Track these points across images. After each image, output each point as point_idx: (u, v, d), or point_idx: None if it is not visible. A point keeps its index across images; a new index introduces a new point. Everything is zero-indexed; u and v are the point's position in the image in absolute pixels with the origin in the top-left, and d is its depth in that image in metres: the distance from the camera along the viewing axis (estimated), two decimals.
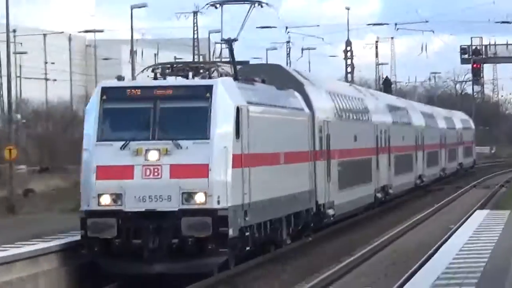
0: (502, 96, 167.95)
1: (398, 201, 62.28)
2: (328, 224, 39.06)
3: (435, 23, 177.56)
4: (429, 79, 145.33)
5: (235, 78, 27.19)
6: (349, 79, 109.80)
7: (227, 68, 28.62)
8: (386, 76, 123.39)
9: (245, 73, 31.94)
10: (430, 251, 30.63)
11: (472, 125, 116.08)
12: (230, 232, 23.32)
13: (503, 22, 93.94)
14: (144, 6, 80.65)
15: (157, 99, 23.76)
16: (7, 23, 63.62)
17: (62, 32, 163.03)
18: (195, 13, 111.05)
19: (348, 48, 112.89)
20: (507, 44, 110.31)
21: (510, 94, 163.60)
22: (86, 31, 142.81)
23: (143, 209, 22.74)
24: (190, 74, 25.17)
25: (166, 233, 22.62)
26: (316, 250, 36.22)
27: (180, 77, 25.97)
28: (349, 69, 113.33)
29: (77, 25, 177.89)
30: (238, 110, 24.24)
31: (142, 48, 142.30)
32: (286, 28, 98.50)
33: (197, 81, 25.72)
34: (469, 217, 44.70)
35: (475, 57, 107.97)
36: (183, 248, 22.74)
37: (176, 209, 22.71)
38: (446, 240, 33.42)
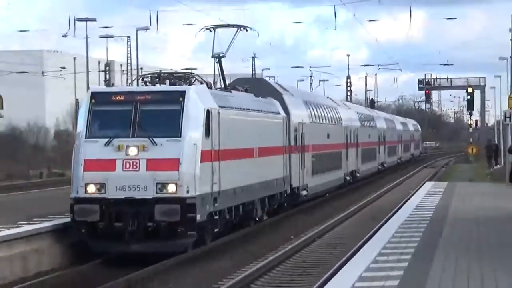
0: (443, 110, 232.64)
1: (367, 181, 74.26)
2: (303, 201, 44.43)
3: (403, 64, 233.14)
4: (398, 99, 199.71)
5: (209, 87, 30.09)
6: (349, 100, 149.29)
7: (208, 79, 33.89)
8: (372, 98, 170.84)
9: (237, 84, 39.38)
10: (397, 206, 43.59)
11: (419, 128, 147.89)
12: (198, 217, 26.25)
13: (444, 64, 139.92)
14: None
15: (137, 102, 26.27)
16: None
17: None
18: None
19: (348, 80, 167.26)
20: (446, 78, 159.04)
21: (448, 109, 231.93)
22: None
23: (123, 197, 25.33)
24: (168, 82, 28.84)
25: (143, 218, 25.19)
26: (303, 219, 40.96)
27: (160, 85, 29.41)
28: (348, 93, 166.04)
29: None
30: (208, 112, 26.87)
31: None
32: (310, 67, 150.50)
33: (172, 87, 28.48)
34: (422, 186, 59.65)
35: (427, 86, 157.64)
36: (157, 231, 25.26)
37: (151, 197, 25.26)
38: (407, 200, 46.32)
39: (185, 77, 30.42)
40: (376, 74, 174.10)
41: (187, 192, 25.61)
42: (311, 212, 47.49)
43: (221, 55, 34.74)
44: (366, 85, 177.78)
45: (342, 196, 59.49)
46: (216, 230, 29.06)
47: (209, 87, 30.28)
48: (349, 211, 47.80)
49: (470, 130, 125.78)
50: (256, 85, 38.90)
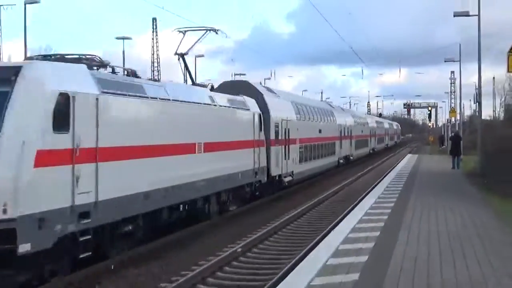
0: (416, 119, 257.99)
1: (363, 159, 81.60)
2: (287, 186, 41.69)
3: (396, 95, 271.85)
4: (393, 113, 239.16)
5: (130, 74, 22.63)
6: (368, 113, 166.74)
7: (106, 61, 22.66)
8: (380, 113, 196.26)
9: (224, 86, 37.90)
10: (392, 168, 57.95)
11: (400, 127, 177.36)
12: (24, 248, 16.58)
13: (417, 95, 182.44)
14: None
15: None
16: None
17: None
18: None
19: (368, 103, 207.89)
20: (418, 102, 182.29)
21: (419, 118, 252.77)
22: None
23: None
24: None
25: None
26: (296, 196, 41.37)
27: None
28: (368, 111, 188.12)
29: None
30: (65, 98, 17.51)
31: None
32: (350, 97, 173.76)
33: (6, 63, 22.25)
34: (404, 157, 78.81)
35: (407, 106, 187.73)
36: None
37: None
38: (396, 165, 62.51)
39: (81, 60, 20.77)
40: (382, 100, 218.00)
41: (4, 212, 16.50)
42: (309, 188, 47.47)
43: (183, 53, 31.79)
44: (377, 106, 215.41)
45: (348, 169, 65.14)
46: (85, 255, 19.39)
47: (130, 74, 22.81)
48: (361, 173, 60.78)
49: (430, 127, 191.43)
50: (242, 87, 37.72)
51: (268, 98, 37.16)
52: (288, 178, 40.62)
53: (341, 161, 62.91)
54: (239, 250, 22.47)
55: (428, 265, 15.54)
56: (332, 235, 21.33)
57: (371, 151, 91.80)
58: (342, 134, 63.67)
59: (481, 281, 13.72)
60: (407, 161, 66.42)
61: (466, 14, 44.76)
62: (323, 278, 14.16)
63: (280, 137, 38.04)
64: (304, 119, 45.55)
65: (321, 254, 17.48)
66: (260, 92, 37.36)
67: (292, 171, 40.97)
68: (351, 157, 69.68)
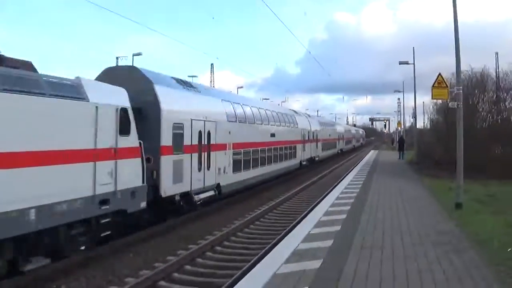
0: (377, 127, 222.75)
1: (331, 159, 68.20)
2: (198, 204, 22.50)
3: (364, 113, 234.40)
4: (362, 124, 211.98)
5: None
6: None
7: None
8: (354, 123, 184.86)
9: (109, 71, 20.52)
10: (360, 159, 56.75)
11: (364, 132, 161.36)
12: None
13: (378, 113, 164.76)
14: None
15: None
16: None
17: None
18: None
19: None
20: (379, 117, 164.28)
21: (380, 128, 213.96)
22: None
23: None
24: None
25: None
26: (277, 188, 33.18)
27: None
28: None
29: None
30: None
31: None
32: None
33: None
34: (369, 153, 78.29)
35: (372, 120, 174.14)
36: None
37: None
38: (363, 157, 60.85)
39: None
40: (355, 116, 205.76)
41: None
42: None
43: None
44: (352, 120, 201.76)
45: (316, 167, 53.13)
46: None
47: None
48: (336, 165, 58.79)
49: (385, 133, 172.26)
50: (127, 77, 20.11)
51: (162, 89, 20.60)
52: (207, 194, 23.61)
53: (304, 163, 48.69)
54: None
55: (384, 200, 21.49)
56: (335, 190, 26.10)
57: (339, 151, 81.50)
58: (305, 138, 49.69)
59: (401, 205, 19.42)
60: (371, 155, 69.87)
61: (406, 63, 50.63)
62: (332, 210, 18.84)
63: (187, 143, 21.61)
64: (245, 122, 30.07)
65: (329, 198, 22.12)
66: (149, 81, 20.20)
67: (218, 184, 24.98)
68: (317, 158, 56.40)
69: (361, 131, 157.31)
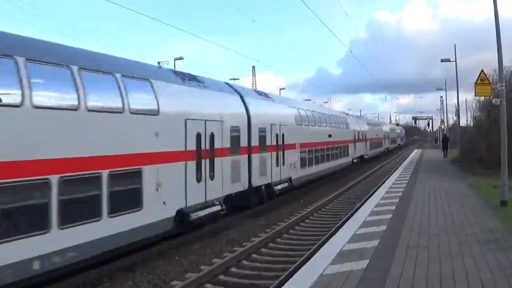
0: (420, 126, 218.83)
1: (375, 158, 67.31)
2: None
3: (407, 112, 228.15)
4: (405, 123, 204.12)
5: None
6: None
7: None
8: (397, 123, 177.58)
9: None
10: (405, 158, 58.18)
11: (403, 131, 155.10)
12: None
13: (420, 111, 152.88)
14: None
15: None
16: None
17: None
18: None
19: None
20: (422, 116, 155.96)
21: (423, 127, 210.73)
22: None
23: None
24: None
25: None
26: (324, 188, 33.45)
27: None
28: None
29: None
30: None
31: None
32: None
33: None
34: (413, 151, 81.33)
35: (415, 119, 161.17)
36: None
37: None
38: (408, 156, 61.99)
39: None
40: (398, 115, 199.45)
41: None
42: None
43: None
44: (395, 119, 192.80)
45: (365, 165, 54.93)
46: None
47: None
48: (384, 163, 61.62)
49: (428, 132, 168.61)
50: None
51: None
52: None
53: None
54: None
55: (429, 197, 21.38)
56: (381, 188, 26.34)
57: (385, 150, 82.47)
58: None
59: (446, 204, 19.22)
60: (415, 153, 69.53)
61: (448, 60, 49.76)
62: (378, 209, 18.75)
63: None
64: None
65: (375, 197, 22.26)
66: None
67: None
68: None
69: (399, 129, 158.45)
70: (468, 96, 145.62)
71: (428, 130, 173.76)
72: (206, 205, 18.38)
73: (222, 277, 13.92)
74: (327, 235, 17.66)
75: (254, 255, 16.27)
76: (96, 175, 12.75)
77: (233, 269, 14.66)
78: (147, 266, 14.69)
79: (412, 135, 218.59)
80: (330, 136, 39.08)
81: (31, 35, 12.58)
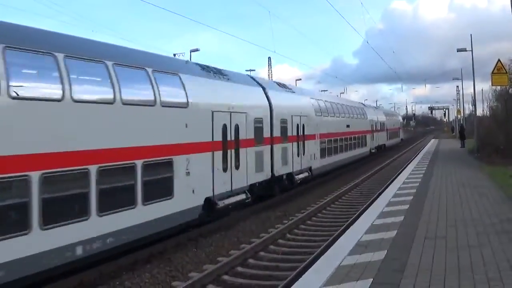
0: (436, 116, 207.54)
1: (391, 148, 66.55)
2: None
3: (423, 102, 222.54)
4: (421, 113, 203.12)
5: None
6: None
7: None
8: (414, 113, 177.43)
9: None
10: (422, 148, 57.67)
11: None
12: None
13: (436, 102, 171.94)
14: None
15: None
16: None
17: None
18: None
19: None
20: (438, 106, 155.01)
21: (439, 117, 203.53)
22: None
23: None
24: None
25: None
26: (340, 179, 33.30)
27: None
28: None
29: None
30: None
31: None
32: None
33: None
34: (429, 141, 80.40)
35: (431, 108, 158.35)
36: None
37: None
38: (425, 146, 62.16)
39: None
40: (415, 105, 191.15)
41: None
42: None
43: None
44: (411, 109, 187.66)
45: (382, 155, 54.79)
46: None
47: None
48: (402, 152, 61.63)
49: (445, 122, 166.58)
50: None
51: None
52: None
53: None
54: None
55: (446, 187, 21.17)
56: (398, 179, 26.27)
57: (400, 141, 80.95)
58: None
59: (463, 194, 19.09)
60: (431, 143, 69.17)
61: (464, 50, 49.10)
62: (395, 200, 18.57)
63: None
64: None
65: (392, 188, 22.05)
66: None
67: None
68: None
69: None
70: (484, 86, 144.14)
71: (445, 120, 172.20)
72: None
73: (239, 268, 13.83)
74: (344, 225, 17.54)
75: (272, 246, 16.14)
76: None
77: (251, 261, 14.59)
78: (164, 258, 14.70)
79: (428, 125, 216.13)
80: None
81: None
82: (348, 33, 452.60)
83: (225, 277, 13.10)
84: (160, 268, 13.82)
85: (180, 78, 16.37)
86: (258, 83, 24.38)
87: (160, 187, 14.67)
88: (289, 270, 13.23)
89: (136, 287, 12.45)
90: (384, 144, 59.58)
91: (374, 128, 52.90)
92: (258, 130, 21.87)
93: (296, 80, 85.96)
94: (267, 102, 23.49)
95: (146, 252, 14.73)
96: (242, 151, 20.14)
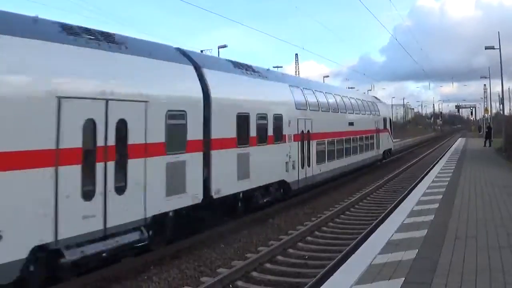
0: (463, 114, 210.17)
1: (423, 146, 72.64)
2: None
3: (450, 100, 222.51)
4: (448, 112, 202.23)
5: None
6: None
7: None
8: (441, 112, 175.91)
9: None
10: (450, 147, 57.91)
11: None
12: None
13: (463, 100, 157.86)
14: None
15: None
16: None
17: None
18: None
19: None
20: (465, 105, 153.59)
21: (466, 115, 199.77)
22: None
23: None
24: None
25: None
26: (366, 178, 32.09)
27: None
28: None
29: None
30: None
31: None
32: None
33: None
34: (457, 140, 75.84)
35: (458, 107, 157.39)
36: None
37: None
38: (453, 145, 61.16)
39: None
40: (442, 103, 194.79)
41: None
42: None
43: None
44: (438, 107, 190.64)
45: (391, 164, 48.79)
46: None
47: None
48: (428, 151, 62.69)
49: (472, 120, 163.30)
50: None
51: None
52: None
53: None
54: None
55: (475, 186, 20.93)
56: (427, 177, 25.98)
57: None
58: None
59: (492, 193, 18.90)
60: (459, 142, 68.61)
61: (492, 48, 48.66)
62: (424, 199, 18.57)
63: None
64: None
65: (421, 187, 21.92)
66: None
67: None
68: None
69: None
70: None
71: (471, 119, 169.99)
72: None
73: (268, 265, 13.75)
74: (373, 224, 17.40)
75: (300, 244, 15.99)
76: None
77: (279, 257, 14.46)
78: (192, 254, 14.67)
79: (455, 123, 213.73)
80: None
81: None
82: (375, 29, 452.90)
83: (254, 273, 13.01)
84: (189, 264, 13.82)
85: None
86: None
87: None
88: (318, 267, 13.16)
89: (164, 282, 12.36)
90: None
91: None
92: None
93: (323, 77, 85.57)
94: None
95: (174, 248, 14.63)
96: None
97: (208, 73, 16.47)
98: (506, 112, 60.75)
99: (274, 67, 68.91)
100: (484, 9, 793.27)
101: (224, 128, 16.85)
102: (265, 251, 14.49)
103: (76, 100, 10.96)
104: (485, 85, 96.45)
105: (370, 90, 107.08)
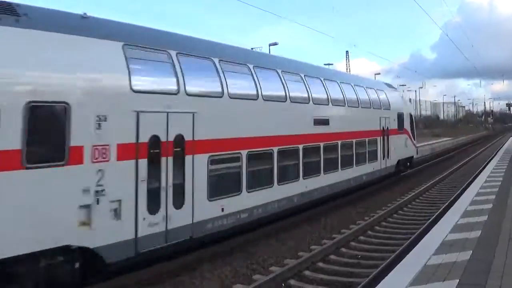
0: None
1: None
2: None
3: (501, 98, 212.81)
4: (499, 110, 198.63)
5: None
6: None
7: None
8: (492, 110, 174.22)
9: None
10: (501, 146, 55.69)
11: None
12: None
13: None
14: None
15: None
16: None
17: None
18: None
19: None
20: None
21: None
22: None
23: None
24: None
25: None
26: (418, 177, 32.54)
27: None
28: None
29: None
30: None
31: None
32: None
33: None
34: (508, 139, 72.64)
35: (509, 105, 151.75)
36: None
37: None
38: (504, 144, 58.93)
39: None
40: (492, 101, 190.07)
41: None
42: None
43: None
44: (489, 105, 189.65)
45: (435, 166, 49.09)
46: None
47: None
48: (480, 150, 63.05)
49: None
50: None
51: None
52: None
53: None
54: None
55: None
56: (480, 176, 25.83)
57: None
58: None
59: None
60: (510, 142, 67.46)
61: None
62: (477, 199, 18.36)
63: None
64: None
65: (473, 187, 21.50)
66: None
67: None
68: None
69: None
70: None
71: None
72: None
73: (320, 264, 13.77)
74: (426, 224, 17.26)
75: (353, 243, 15.96)
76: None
77: (332, 257, 14.46)
78: (245, 251, 14.82)
79: (506, 122, 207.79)
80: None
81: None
82: (426, 26, 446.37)
83: (306, 272, 13.03)
84: (241, 261, 13.94)
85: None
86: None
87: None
88: (371, 267, 13.14)
89: (216, 279, 12.49)
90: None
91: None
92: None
93: (375, 74, 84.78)
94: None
95: (227, 245, 14.77)
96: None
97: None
98: None
99: (325, 64, 68.74)
100: None
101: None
102: (318, 249, 14.52)
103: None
104: None
105: (421, 87, 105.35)
